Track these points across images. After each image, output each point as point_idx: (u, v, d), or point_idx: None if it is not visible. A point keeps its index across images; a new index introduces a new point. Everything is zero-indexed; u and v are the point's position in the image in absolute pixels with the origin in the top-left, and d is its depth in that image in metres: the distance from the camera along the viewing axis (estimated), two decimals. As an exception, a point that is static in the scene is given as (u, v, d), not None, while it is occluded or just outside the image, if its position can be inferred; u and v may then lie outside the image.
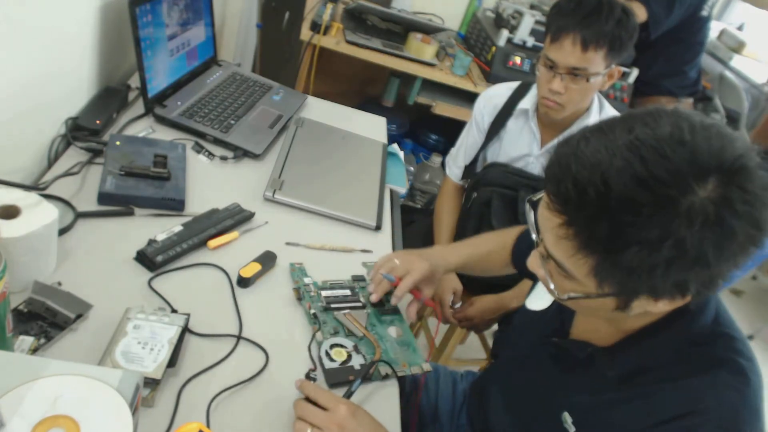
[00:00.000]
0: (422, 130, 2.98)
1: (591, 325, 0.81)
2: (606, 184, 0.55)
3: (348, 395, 0.80)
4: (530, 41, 2.28)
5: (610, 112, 1.42)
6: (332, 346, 0.89)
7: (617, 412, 0.71)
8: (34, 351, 0.74)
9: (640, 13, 2.24)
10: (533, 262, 0.72)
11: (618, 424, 0.71)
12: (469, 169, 1.61)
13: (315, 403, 0.76)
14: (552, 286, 0.68)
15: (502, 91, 1.52)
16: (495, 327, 1.58)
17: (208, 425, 0.74)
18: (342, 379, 0.85)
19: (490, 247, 1.13)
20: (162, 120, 1.28)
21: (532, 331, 0.92)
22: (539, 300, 0.91)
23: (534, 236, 0.68)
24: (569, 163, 0.58)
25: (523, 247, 1.08)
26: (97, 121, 1.17)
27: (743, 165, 0.55)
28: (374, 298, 0.99)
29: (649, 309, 0.64)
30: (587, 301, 0.66)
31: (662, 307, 0.63)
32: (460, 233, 1.58)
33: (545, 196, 0.63)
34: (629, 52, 2.36)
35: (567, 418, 0.78)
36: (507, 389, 0.97)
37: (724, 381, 0.66)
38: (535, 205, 0.68)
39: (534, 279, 1.03)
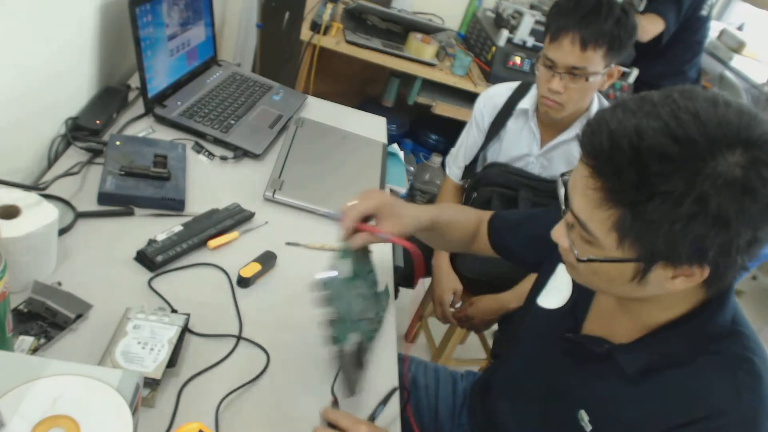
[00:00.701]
0: (422, 130, 2.98)
1: (607, 321, 0.80)
2: (640, 136, 0.58)
3: (371, 419, 0.81)
4: (530, 41, 2.28)
5: None
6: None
7: (635, 410, 0.71)
8: (34, 351, 0.74)
9: (659, 25, 2.23)
10: (558, 231, 0.73)
11: (635, 423, 0.70)
12: (469, 169, 1.61)
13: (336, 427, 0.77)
14: (576, 252, 0.69)
15: (502, 90, 1.52)
16: (495, 327, 1.58)
17: (216, 428, 0.74)
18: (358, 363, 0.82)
19: (454, 216, 1.06)
20: (162, 120, 1.28)
21: (542, 330, 0.91)
22: (552, 297, 0.90)
23: (562, 208, 0.70)
24: (607, 122, 0.61)
25: (500, 225, 1.05)
26: (97, 121, 1.17)
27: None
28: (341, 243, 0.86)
29: (666, 287, 0.64)
30: (606, 266, 0.66)
31: (679, 284, 0.64)
32: (460, 233, 1.58)
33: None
34: (629, 52, 2.36)
35: (583, 416, 0.77)
36: (514, 388, 0.96)
37: (741, 382, 0.66)
38: (566, 182, 0.70)
39: (521, 272, 1.00)
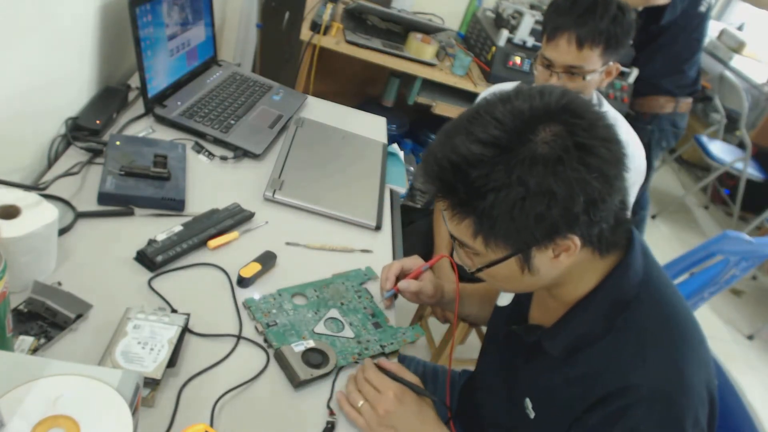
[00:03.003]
0: (422, 130, 2.98)
1: (543, 309, 0.84)
2: (455, 152, 0.65)
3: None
4: (530, 41, 2.28)
5: (609, 110, 1.42)
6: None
7: (565, 392, 0.74)
8: (34, 351, 0.74)
9: None
10: (455, 255, 0.78)
11: (566, 405, 0.73)
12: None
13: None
14: (467, 268, 0.76)
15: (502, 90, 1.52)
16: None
17: (211, 424, 0.74)
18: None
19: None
20: (162, 120, 1.28)
21: (498, 327, 0.95)
22: (505, 296, 0.96)
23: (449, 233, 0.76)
24: (433, 150, 0.69)
25: None
26: (97, 121, 1.17)
27: (564, 105, 0.65)
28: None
29: (557, 266, 0.69)
30: (495, 270, 0.71)
31: (565, 260, 0.68)
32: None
33: None
34: (628, 51, 2.36)
35: (528, 403, 0.80)
36: (485, 384, 1.00)
37: (651, 355, 0.68)
38: None
39: None
